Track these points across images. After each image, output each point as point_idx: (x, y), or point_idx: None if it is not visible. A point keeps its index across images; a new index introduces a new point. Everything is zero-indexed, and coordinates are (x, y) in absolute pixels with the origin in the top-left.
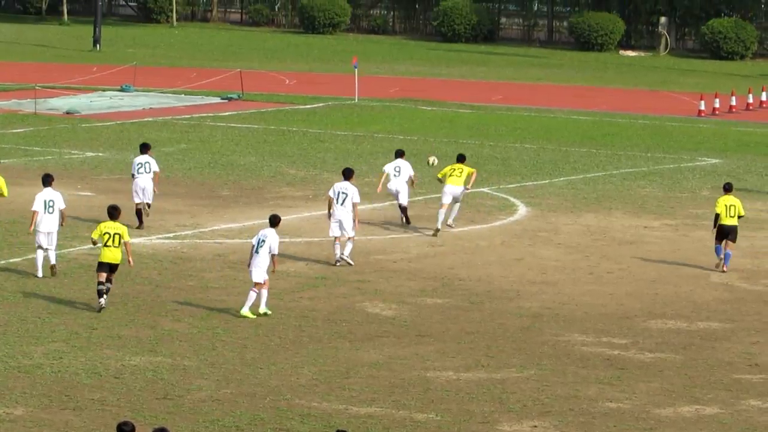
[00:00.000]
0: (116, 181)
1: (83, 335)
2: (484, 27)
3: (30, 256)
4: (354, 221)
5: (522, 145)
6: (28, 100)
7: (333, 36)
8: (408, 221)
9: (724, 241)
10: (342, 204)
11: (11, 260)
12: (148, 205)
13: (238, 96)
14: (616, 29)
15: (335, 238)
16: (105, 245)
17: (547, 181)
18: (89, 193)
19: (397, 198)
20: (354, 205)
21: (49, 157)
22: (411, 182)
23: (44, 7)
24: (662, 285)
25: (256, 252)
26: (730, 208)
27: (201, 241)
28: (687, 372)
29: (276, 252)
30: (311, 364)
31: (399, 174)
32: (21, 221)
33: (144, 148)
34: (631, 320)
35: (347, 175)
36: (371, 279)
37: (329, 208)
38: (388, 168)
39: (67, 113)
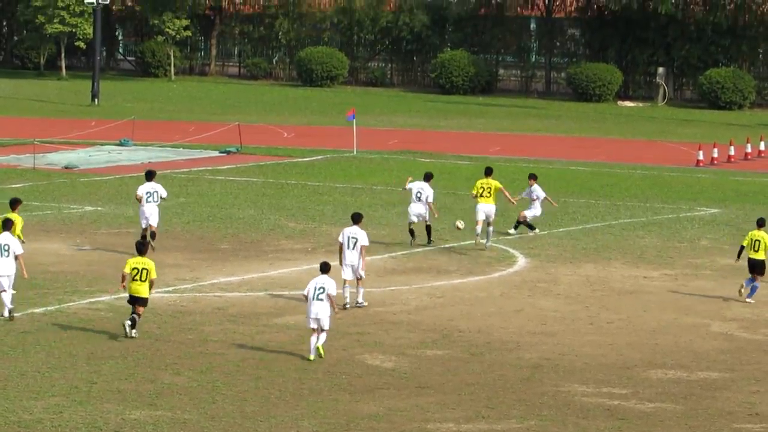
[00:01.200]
0: (115, 236)
1: (83, 389)
2: (482, 78)
3: (29, 311)
4: (361, 263)
5: (521, 196)
6: (27, 155)
7: (331, 89)
8: (429, 239)
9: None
10: (353, 248)
11: None
12: (153, 235)
13: (237, 149)
14: (613, 80)
15: (345, 281)
16: (133, 279)
17: (545, 232)
18: (88, 248)
19: (417, 219)
20: (362, 248)
21: (48, 212)
22: (428, 207)
23: (42, 62)
24: (662, 335)
25: (318, 299)
26: (754, 243)
27: (200, 294)
28: (687, 422)
29: (334, 294)
30: (311, 417)
31: (420, 198)
32: (20, 277)
33: (149, 176)
34: (631, 370)
35: (356, 219)
36: (371, 331)
37: (340, 254)
38: (413, 185)
39: (66, 168)
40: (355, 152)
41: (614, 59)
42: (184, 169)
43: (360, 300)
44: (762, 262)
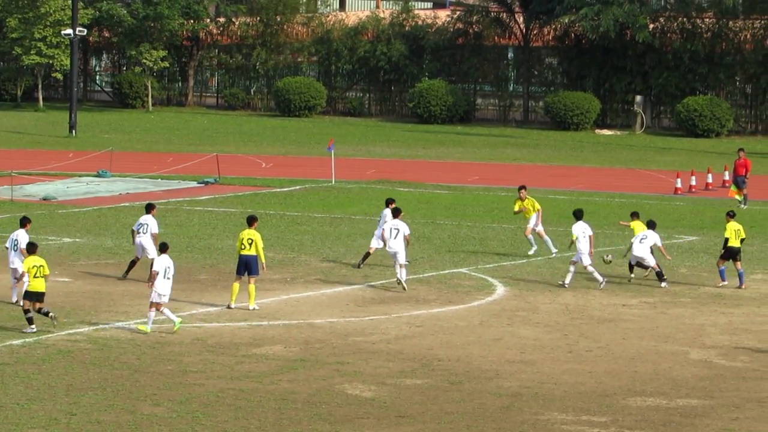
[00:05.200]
0: (94, 267)
1: (63, 421)
2: (460, 108)
3: (8, 343)
4: (406, 246)
5: (500, 225)
6: (4, 186)
7: (309, 119)
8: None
9: (729, 261)
10: (395, 238)
11: None
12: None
13: (215, 180)
14: (591, 108)
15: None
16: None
17: (524, 261)
18: (67, 279)
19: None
20: (405, 236)
21: None
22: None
23: (19, 93)
24: (641, 362)
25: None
26: (737, 232)
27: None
28: None
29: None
30: None
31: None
32: None
33: (148, 209)
34: (611, 398)
35: (396, 213)
36: (350, 361)
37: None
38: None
39: (44, 199)
40: (333, 182)
41: (592, 88)
42: (163, 200)
43: (404, 281)
44: (740, 249)
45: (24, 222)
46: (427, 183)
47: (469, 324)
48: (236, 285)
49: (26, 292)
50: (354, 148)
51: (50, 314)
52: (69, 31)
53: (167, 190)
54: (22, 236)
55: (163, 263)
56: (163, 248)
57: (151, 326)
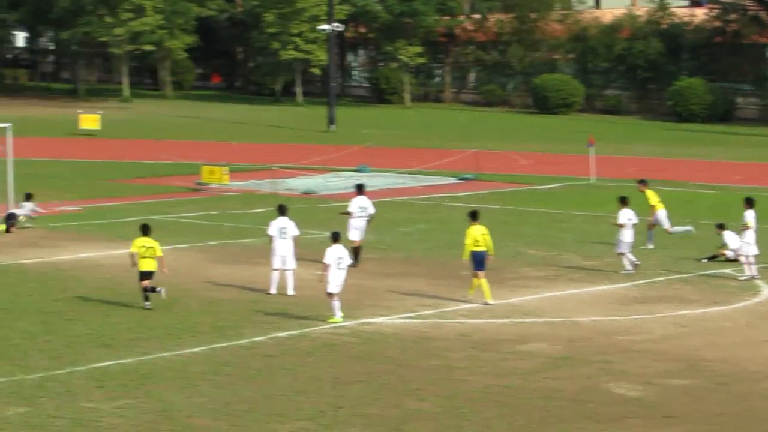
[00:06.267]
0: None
1: (329, 413)
2: (720, 107)
3: (273, 335)
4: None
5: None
6: (266, 180)
7: (566, 116)
8: None
9: None
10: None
11: (255, 339)
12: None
13: (474, 176)
14: None
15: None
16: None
17: None
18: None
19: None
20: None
21: None
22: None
23: (278, 89)
24: None
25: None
26: None
27: (443, 320)
28: None
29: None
30: None
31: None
32: (263, 300)
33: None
34: None
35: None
36: (615, 359)
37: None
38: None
39: (305, 193)
40: (592, 180)
41: None
42: (423, 196)
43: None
44: None
45: (284, 209)
46: (689, 182)
47: (736, 325)
48: (476, 281)
49: (140, 271)
50: (613, 147)
51: (157, 289)
52: (325, 26)
53: (427, 185)
54: (288, 224)
55: (335, 254)
56: (335, 238)
57: (340, 315)
